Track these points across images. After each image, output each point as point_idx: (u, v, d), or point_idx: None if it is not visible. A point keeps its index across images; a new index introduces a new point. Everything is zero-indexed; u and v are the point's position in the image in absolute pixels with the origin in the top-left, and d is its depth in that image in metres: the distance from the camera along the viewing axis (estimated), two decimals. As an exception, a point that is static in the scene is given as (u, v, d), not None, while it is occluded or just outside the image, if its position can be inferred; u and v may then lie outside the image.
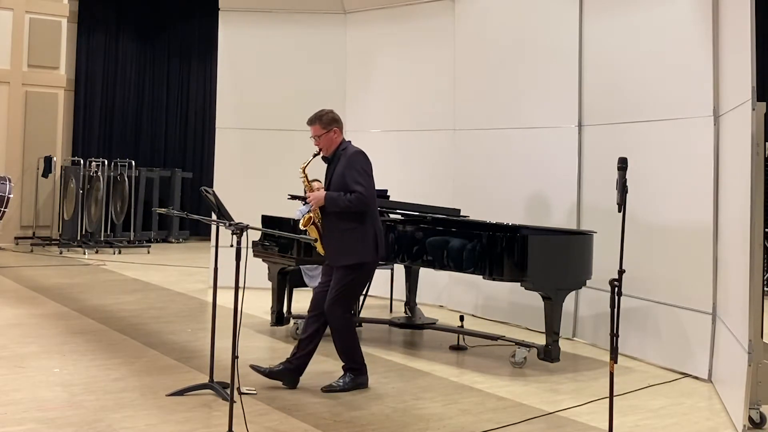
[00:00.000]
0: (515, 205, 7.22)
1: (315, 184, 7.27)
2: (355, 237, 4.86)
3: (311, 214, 5.01)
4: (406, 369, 5.56)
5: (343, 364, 5.04)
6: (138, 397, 4.62)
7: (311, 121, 5.00)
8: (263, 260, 6.67)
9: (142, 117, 15.57)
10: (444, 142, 8.20)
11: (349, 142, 5.08)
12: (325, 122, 4.97)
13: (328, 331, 5.01)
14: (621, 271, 3.82)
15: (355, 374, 4.99)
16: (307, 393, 4.86)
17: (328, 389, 4.91)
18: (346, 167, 4.88)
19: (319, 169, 5.17)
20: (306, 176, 5.08)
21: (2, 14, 13.25)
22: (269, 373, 4.96)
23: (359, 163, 4.89)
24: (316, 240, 4.94)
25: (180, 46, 15.91)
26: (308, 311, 5.09)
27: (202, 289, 9.02)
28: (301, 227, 5.08)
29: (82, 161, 13.24)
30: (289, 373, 4.96)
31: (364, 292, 7.20)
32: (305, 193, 5.11)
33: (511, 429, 4.33)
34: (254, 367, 4.99)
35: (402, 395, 4.89)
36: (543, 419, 4.52)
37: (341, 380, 4.97)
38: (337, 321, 4.95)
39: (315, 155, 5.04)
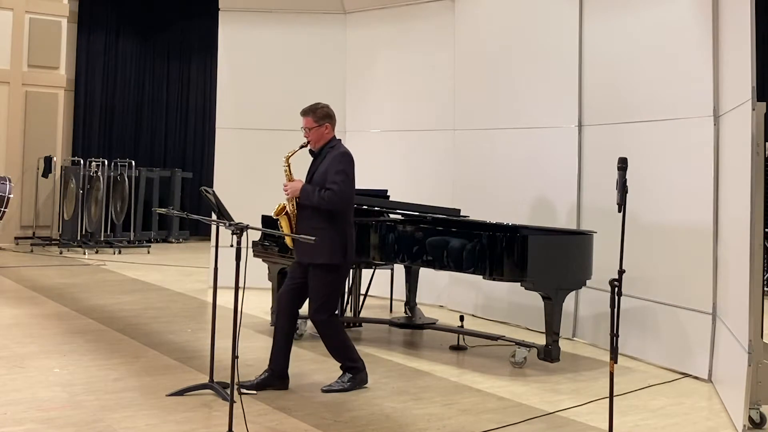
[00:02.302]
0: (515, 205, 7.22)
1: None
2: (323, 237, 4.69)
3: (285, 204, 4.96)
4: (406, 369, 5.56)
5: (340, 364, 5.04)
6: (138, 397, 4.62)
7: (305, 112, 4.97)
8: (263, 260, 6.67)
9: (142, 117, 15.56)
10: (444, 142, 8.20)
11: (340, 140, 5.03)
12: (319, 116, 4.94)
13: (314, 331, 4.94)
14: (621, 271, 3.82)
15: (354, 372, 4.98)
16: (307, 393, 4.86)
17: (328, 389, 4.90)
18: (330, 165, 4.84)
19: (303, 162, 5.13)
20: (289, 165, 4.99)
21: (2, 14, 13.24)
22: (257, 385, 4.86)
23: (343, 163, 4.84)
24: (315, 240, 4.91)
25: (180, 46, 15.91)
26: (276, 312, 5.07)
27: (202, 289, 9.02)
28: (273, 216, 5.03)
29: (82, 161, 13.24)
30: (276, 379, 4.92)
31: (363, 292, 7.23)
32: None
33: (511, 429, 4.33)
34: (242, 385, 4.59)
35: (402, 395, 4.89)
36: (543, 419, 4.52)
37: (341, 380, 4.97)
38: (324, 327, 4.93)
39: (301, 146, 5.00)
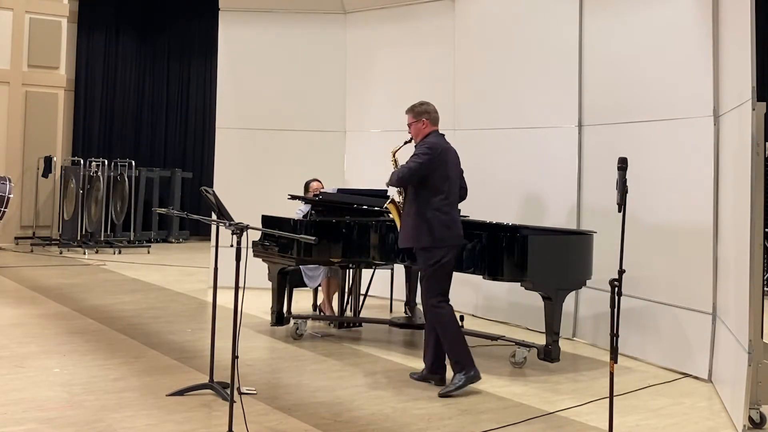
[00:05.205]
0: (515, 205, 7.22)
1: (314, 184, 7.31)
2: (409, 223, 5.08)
3: (393, 195, 5.31)
4: (406, 369, 5.56)
5: (449, 363, 5.05)
6: (138, 397, 4.62)
7: (407, 111, 5.34)
8: (263, 260, 6.67)
9: (142, 117, 15.58)
10: (444, 142, 8.18)
11: (441, 135, 5.24)
12: (417, 113, 5.25)
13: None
14: (621, 271, 3.82)
15: (459, 370, 4.96)
16: (307, 393, 4.86)
17: (445, 393, 4.88)
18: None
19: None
20: (396, 161, 5.39)
21: (2, 14, 13.25)
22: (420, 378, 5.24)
23: (419, 149, 5.12)
24: (315, 240, 4.93)
25: (180, 46, 15.92)
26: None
27: (202, 289, 9.02)
28: (383, 206, 5.46)
29: (82, 161, 13.25)
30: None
31: (363, 292, 7.23)
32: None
33: (511, 429, 4.33)
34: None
35: (402, 395, 4.89)
36: (543, 419, 4.52)
37: (453, 381, 4.96)
38: (433, 311, 5.06)
39: (405, 142, 5.41)
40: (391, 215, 5.44)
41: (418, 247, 5.07)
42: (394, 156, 5.40)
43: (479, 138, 7.80)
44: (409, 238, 5.10)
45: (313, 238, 4.87)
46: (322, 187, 7.21)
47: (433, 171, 5.02)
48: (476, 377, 4.99)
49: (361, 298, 7.20)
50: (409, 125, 5.27)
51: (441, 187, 5.04)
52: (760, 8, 5.02)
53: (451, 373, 5.08)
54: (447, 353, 5.05)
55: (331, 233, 6.18)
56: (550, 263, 5.62)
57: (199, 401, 4.58)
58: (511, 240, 5.52)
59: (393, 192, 5.34)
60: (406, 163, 5.09)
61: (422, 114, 5.22)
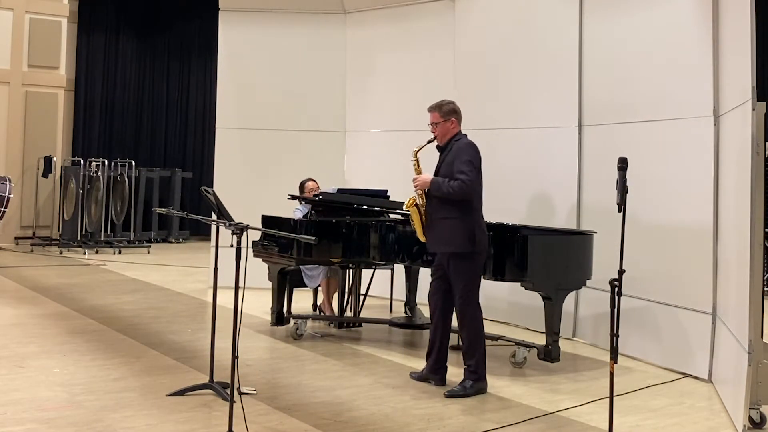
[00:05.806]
0: (515, 205, 7.22)
1: (310, 184, 7.30)
2: (448, 226, 4.94)
3: (415, 197, 5.13)
4: (406, 369, 5.56)
5: (464, 366, 5.03)
6: (138, 397, 4.62)
7: (431, 108, 5.17)
8: (263, 260, 6.67)
9: (142, 117, 15.58)
10: (444, 142, 8.18)
11: (465, 135, 5.14)
12: (445, 111, 5.12)
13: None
14: (621, 271, 3.82)
15: (474, 379, 4.96)
16: (307, 393, 4.86)
17: (451, 394, 4.88)
18: (456, 156, 4.97)
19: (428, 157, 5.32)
20: (417, 160, 5.21)
21: (2, 14, 13.25)
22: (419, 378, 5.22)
23: (468, 154, 4.95)
24: (315, 240, 4.92)
25: (180, 46, 15.92)
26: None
27: (202, 289, 9.02)
28: (404, 208, 5.29)
29: (82, 161, 13.25)
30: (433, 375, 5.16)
31: (363, 292, 7.23)
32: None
33: (511, 429, 4.33)
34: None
35: (402, 395, 4.89)
36: (543, 419, 4.51)
37: (462, 385, 4.96)
38: (467, 317, 5.01)
39: (429, 141, 5.22)
40: (398, 216, 5.39)
41: (455, 251, 4.95)
42: (416, 156, 5.22)
43: (478, 138, 7.68)
44: (446, 242, 4.97)
45: (313, 238, 4.87)
46: (318, 187, 7.20)
47: (479, 174, 5.00)
48: (485, 390, 4.99)
49: (361, 298, 7.21)
50: (434, 124, 5.12)
51: (479, 191, 5.02)
52: (760, 8, 5.01)
53: (451, 374, 5.09)
54: (469, 359, 5.00)
55: (331, 233, 6.19)
56: (550, 263, 5.62)
57: (199, 401, 4.57)
58: (511, 240, 5.52)
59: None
60: (460, 171, 4.87)
61: (451, 113, 5.11)
